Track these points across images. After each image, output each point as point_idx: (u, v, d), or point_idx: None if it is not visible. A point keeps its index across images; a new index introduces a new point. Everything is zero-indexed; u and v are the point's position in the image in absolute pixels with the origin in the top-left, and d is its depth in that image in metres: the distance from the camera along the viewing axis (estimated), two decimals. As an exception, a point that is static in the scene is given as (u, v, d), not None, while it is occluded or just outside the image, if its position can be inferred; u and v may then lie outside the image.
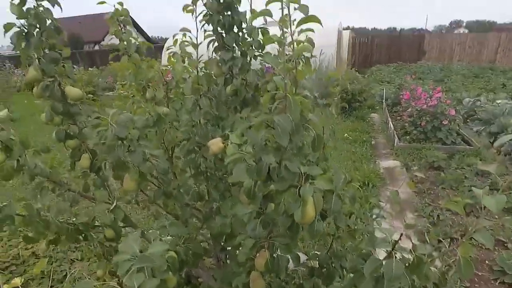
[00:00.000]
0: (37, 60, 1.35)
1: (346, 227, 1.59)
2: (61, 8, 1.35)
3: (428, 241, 3.20)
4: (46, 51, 1.38)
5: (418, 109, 5.74)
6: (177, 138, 1.80)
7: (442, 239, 2.42)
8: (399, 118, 6.96)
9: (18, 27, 1.25)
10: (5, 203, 1.39)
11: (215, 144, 1.36)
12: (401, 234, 0.94)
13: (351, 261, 1.04)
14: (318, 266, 1.87)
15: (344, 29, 15.15)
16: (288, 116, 0.90)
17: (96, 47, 30.50)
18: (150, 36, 25.89)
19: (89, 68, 14.26)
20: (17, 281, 2.74)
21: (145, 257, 0.81)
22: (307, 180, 1.02)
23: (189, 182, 1.90)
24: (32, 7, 1.26)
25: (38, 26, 1.27)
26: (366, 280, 0.94)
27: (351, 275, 1.10)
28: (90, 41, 31.50)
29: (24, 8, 1.26)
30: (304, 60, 1.28)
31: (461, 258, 0.98)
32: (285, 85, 0.97)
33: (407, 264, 0.95)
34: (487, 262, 2.92)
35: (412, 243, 0.98)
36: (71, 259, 3.14)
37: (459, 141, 5.53)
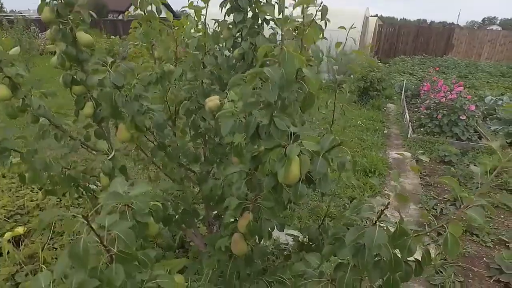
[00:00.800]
0: (54, 2, 1.37)
1: (339, 210, 1.56)
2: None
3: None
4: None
5: (436, 101, 5.57)
6: (180, 97, 1.78)
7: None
8: (416, 110, 6.79)
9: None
10: (5, 138, 1.41)
11: (212, 100, 1.34)
12: (388, 203, 0.91)
13: (334, 228, 1.02)
14: (308, 241, 1.87)
15: (371, 16, 14.66)
16: (279, 68, 0.86)
17: (120, 17, 30.50)
18: (175, 10, 25.76)
19: (112, 37, 14.28)
20: (20, 230, 2.83)
21: (118, 194, 0.80)
22: (295, 140, 0.99)
23: (188, 144, 1.90)
24: None
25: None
26: (346, 249, 0.92)
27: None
28: (114, 10, 31.61)
29: None
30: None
31: (449, 234, 0.95)
32: (282, 37, 0.93)
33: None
34: (485, 259, 2.87)
35: (400, 215, 0.95)
36: (72, 215, 3.22)
37: (475, 138, 5.37)
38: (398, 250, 0.99)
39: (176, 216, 1.54)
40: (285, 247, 2.68)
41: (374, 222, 0.91)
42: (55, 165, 1.55)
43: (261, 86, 0.99)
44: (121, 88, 1.32)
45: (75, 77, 1.62)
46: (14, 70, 1.48)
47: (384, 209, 0.91)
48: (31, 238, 2.89)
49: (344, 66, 2.06)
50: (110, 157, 1.53)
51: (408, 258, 0.99)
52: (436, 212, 3.57)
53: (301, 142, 0.96)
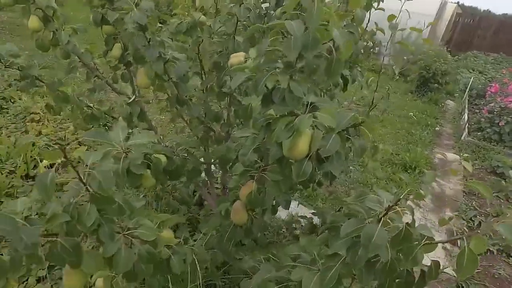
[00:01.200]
0: None
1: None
2: None
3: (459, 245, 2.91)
4: None
5: (502, 106, 5.00)
6: (211, 51, 1.69)
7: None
8: (477, 111, 6.18)
9: None
10: (30, 65, 1.42)
11: (237, 57, 1.23)
12: (398, 199, 0.77)
13: (333, 216, 0.90)
14: (320, 225, 1.78)
15: (450, 2, 13.32)
16: (302, 22, 0.73)
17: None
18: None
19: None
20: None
21: (102, 134, 0.74)
22: (312, 112, 0.87)
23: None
24: None
25: None
26: (340, 242, 0.80)
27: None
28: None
29: None
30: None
31: (467, 250, 0.80)
32: (315, -11, 0.79)
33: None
34: (517, 285, 2.61)
35: (412, 216, 0.81)
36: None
37: (538, 154, 4.80)
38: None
39: (184, 172, 1.49)
40: (302, 225, 2.61)
41: (379, 219, 0.79)
42: (78, 101, 1.55)
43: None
44: (145, 29, 1.25)
45: (105, 16, 1.57)
46: (46, 1, 1.45)
47: (394, 204, 0.77)
48: (66, 168, 3.04)
49: (399, 47, 1.85)
50: (129, 101, 1.50)
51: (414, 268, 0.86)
52: (473, 224, 3.28)
53: (316, 114, 0.84)
